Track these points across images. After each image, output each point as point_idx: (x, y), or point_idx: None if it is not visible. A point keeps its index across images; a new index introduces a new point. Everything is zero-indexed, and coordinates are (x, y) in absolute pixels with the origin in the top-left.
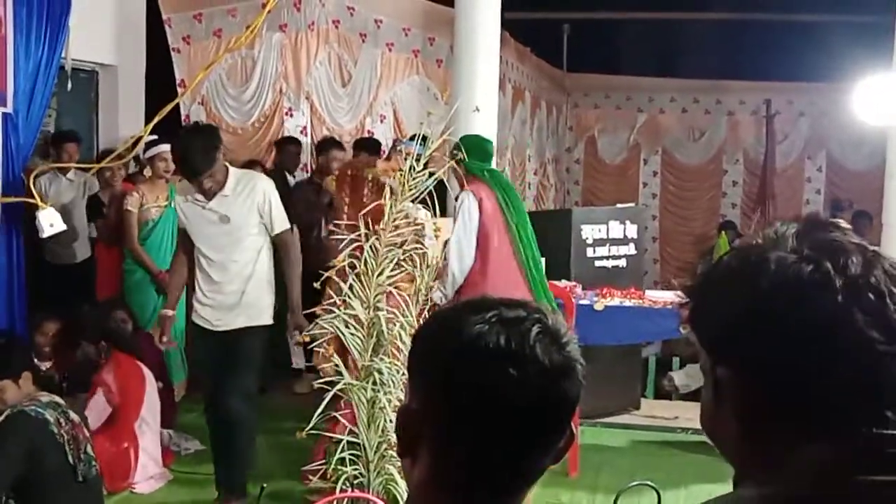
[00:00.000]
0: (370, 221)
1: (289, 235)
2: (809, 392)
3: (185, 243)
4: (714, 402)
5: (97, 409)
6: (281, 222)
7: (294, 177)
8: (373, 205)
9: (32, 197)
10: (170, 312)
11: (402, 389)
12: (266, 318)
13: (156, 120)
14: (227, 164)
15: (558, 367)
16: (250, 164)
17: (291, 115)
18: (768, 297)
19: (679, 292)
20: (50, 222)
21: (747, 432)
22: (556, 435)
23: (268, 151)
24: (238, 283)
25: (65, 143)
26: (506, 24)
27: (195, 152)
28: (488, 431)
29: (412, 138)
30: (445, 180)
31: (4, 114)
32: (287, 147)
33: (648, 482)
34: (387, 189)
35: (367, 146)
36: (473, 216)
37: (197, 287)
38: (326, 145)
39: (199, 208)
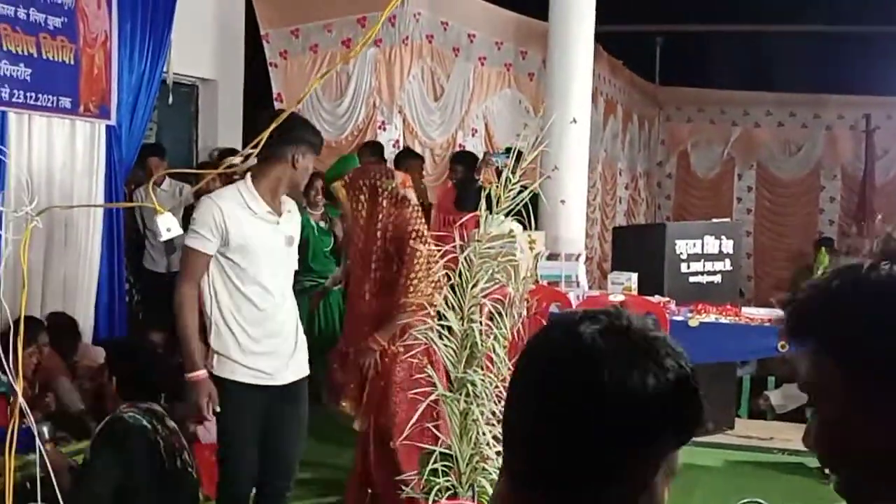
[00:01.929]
0: (386, 234)
1: None
2: None
3: (202, 272)
4: (852, 418)
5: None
6: None
7: None
8: (409, 219)
9: (151, 205)
10: (204, 374)
11: (494, 402)
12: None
13: (270, 129)
14: None
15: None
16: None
17: (384, 129)
18: None
19: (781, 308)
20: (167, 227)
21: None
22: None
23: None
24: (292, 321)
25: (148, 157)
26: (598, 37)
27: None
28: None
29: (507, 151)
30: (541, 193)
31: (108, 126)
32: (366, 154)
33: (760, 501)
34: (408, 201)
35: (374, 150)
36: None
37: (235, 331)
38: (402, 155)
39: (268, 226)
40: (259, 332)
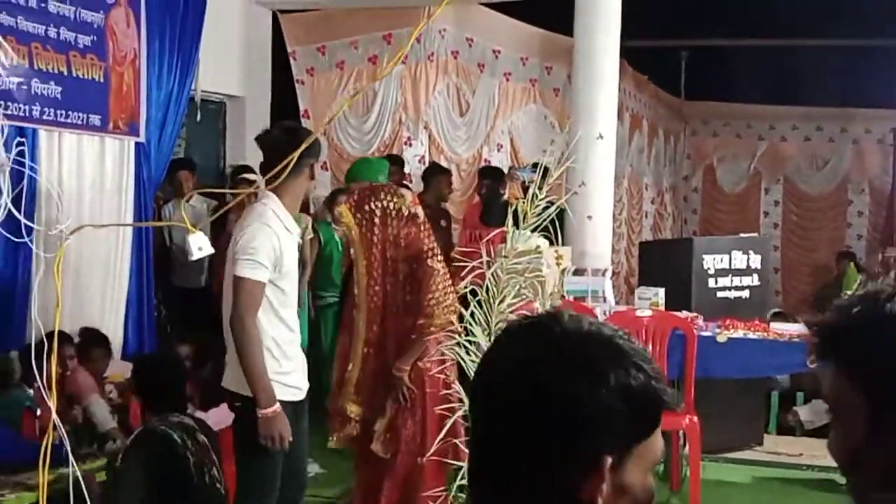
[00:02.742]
0: (399, 254)
1: None
2: None
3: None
4: (866, 435)
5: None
6: None
7: None
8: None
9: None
10: (279, 408)
11: None
12: None
13: (303, 147)
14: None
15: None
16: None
17: (410, 145)
18: None
19: (809, 328)
20: (199, 246)
21: None
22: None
23: None
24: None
25: (177, 171)
26: (623, 52)
27: None
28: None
29: (533, 166)
30: (567, 208)
31: (137, 143)
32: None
33: None
34: (418, 219)
35: (396, 163)
36: None
37: (275, 353)
38: (431, 170)
39: (295, 244)
40: (291, 351)
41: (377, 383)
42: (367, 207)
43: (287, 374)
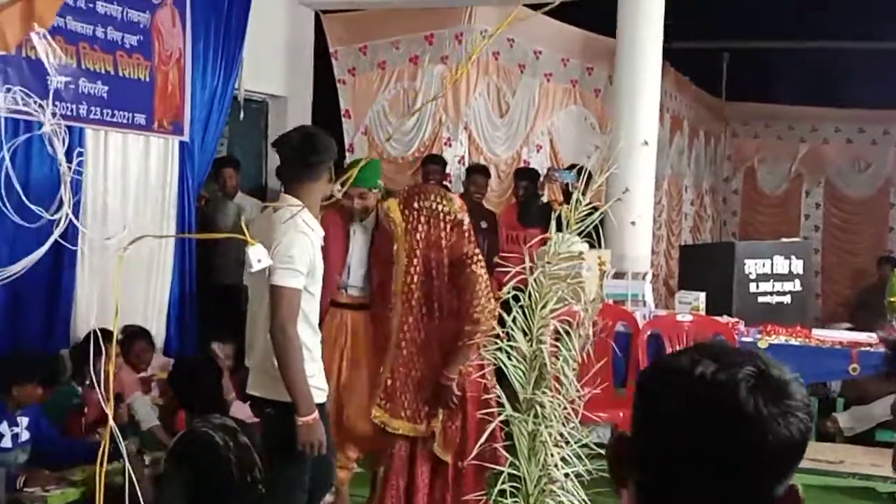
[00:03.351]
0: (444, 258)
1: None
2: None
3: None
4: None
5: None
6: None
7: None
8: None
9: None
10: (317, 416)
11: (563, 423)
12: None
13: (360, 165)
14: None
15: (761, 415)
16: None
17: (450, 145)
18: None
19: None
20: (258, 258)
21: None
22: (753, 482)
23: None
24: None
25: (223, 168)
26: (664, 54)
27: None
28: (684, 466)
29: (569, 168)
30: (611, 212)
31: (181, 142)
32: (428, 166)
33: None
34: (464, 224)
35: (438, 162)
36: None
37: (306, 353)
38: (469, 170)
39: (319, 245)
40: (317, 353)
41: (419, 388)
42: (415, 205)
43: (313, 376)
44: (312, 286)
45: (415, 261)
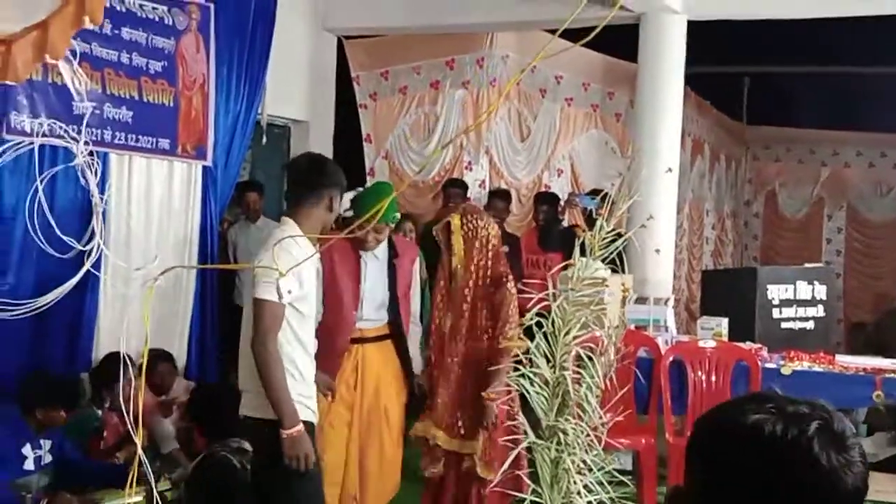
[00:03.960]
0: (485, 279)
1: None
2: None
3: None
4: None
5: None
6: None
7: None
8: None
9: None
10: (303, 428)
11: (586, 451)
12: None
13: (390, 198)
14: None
15: (833, 468)
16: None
17: (471, 169)
18: None
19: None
20: (289, 289)
21: None
22: None
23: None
24: None
25: (247, 192)
26: (685, 78)
27: None
28: None
29: (591, 194)
30: (634, 237)
31: (204, 167)
32: (450, 189)
33: None
34: (499, 244)
35: (460, 186)
36: None
37: (295, 372)
38: (491, 195)
39: (312, 264)
40: (308, 374)
41: (458, 405)
42: (471, 225)
43: (309, 397)
44: (301, 304)
45: (469, 279)
